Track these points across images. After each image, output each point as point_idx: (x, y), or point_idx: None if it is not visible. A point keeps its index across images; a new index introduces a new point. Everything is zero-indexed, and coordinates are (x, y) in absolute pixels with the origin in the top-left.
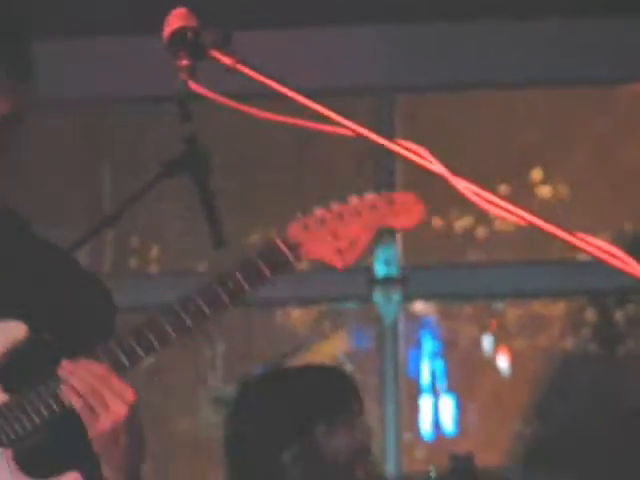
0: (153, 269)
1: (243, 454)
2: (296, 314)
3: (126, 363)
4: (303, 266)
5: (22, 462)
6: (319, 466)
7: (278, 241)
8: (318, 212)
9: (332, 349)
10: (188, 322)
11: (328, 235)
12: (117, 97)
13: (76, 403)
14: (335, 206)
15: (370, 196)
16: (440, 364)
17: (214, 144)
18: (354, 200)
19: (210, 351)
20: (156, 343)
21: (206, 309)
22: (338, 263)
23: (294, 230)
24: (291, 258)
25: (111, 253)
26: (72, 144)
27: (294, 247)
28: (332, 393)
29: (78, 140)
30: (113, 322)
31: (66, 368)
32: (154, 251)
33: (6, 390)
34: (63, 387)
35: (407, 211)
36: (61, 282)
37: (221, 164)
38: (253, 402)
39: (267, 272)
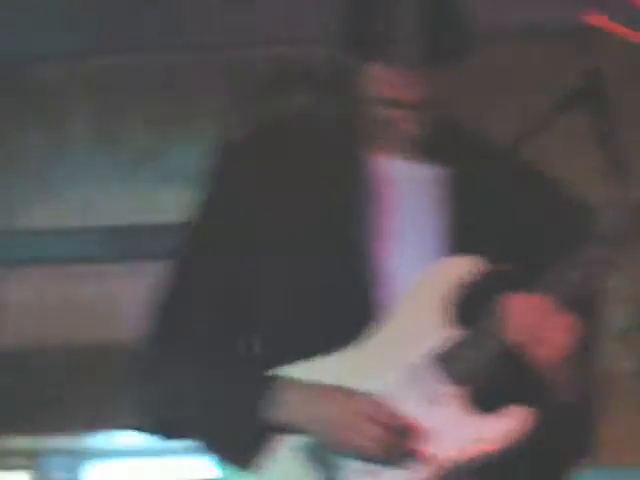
0: None
1: None
2: None
3: (570, 296)
4: None
5: (472, 399)
6: None
7: None
8: None
9: None
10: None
11: None
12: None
13: (518, 337)
14: None
15: None
16: None
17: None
18: None
19: None
20: (596, 275)
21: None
22: None
23: None
24: None
25: None
26: None
27: None
28: None
29: None
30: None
31: (505, 302)
32: None
33: (462, 326)
34: (504, 321)
35: None
36: (532, 209)
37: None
38: None
39: None
